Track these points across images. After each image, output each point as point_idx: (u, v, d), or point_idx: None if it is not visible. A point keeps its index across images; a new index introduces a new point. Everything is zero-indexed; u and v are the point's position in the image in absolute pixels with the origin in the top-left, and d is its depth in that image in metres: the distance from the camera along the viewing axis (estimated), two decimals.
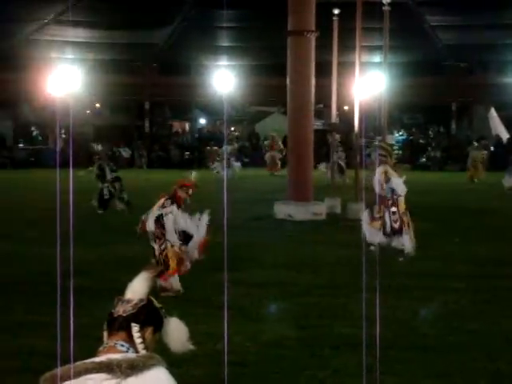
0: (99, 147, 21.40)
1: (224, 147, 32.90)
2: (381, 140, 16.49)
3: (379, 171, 13.37)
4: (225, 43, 38.36)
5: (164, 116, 47.20)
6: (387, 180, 13.21)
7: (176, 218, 10.62)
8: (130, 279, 3.57)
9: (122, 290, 3.54)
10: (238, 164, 32.82)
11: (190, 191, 10.87)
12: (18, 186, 27.85)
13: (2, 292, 10.70)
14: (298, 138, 19.58)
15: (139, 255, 13.17)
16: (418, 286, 11.23)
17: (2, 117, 42.32)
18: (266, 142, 36.18)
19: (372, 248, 12.56)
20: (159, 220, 10.62)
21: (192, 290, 10.79)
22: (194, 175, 11.24)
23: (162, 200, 10.78)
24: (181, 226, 10.67)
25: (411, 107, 43.39)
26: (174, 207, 10.65)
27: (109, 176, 20.31)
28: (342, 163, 27.33)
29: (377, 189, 13.29)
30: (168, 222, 10.59)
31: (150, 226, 10.68)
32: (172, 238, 10.64)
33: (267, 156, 34.52)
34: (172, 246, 10.67)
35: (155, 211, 10.71)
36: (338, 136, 28.03)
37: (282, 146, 33.07)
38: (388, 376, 6.84)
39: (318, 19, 19.44)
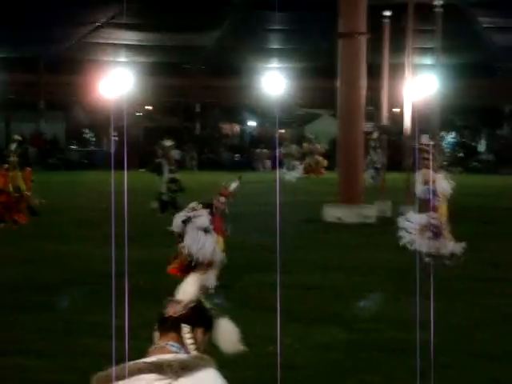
0: (168, 143, 21.26)
1: (279, 149, 32.98)
2: (422, 142, 16.32)
3: (421, 174, 13.26)
4: (275, 45, 38.36)
5: (214, 118, 47.38)
6: (428, 182, 13.06)
7: (201, 223, 10.50)
8: (180, 280, 3.58)
9: (172, 291, 3.56)
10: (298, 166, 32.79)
11: (222, 199, 10.74)
12: (70, 187, 28.18)
13: (55, 292, 10.83)
14: (349, 141, 19.49)
15: None
16: (470, 290, 11.10)
17: (55, 119, 42.89)
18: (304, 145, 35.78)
19: (427, 260, 12.43)
20: (186, 222, 10.54)
21: (242, 292, 10.80)
22: (234, 186, 11.10)
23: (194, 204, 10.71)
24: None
25: (463, 109, 42.92)
26: (204, 211, 10.56)
27: (166, 176, 20.29)
28: (379, 165, 27.43)
29: (418, 192, 13.20)
30: (192, 225, 10.48)
31: (176, 226, 10.61)
32: (189, 241, 10.45)
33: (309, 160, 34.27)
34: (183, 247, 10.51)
35: (184, 213, 10.65)
36: (375, 135, 28.10)
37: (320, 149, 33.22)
38: (439, 382, 6.76)
39: (369, 21, 19.35)
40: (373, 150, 28.01)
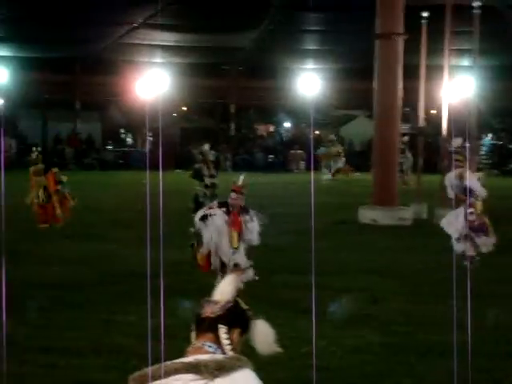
0: (206, 147, 21.42)
1: (320, 150, 32.91)
2: (456, 145, 16.22)
3: (453, 174, 13.20)
4: (311, 46, 38.30)
5: (249, 119, 47.44)
6: (462, 181, 12.98)
7: (215, 222, 10.61)
8: (216, 281, 3.59)
9: (207, 291, 3.56)
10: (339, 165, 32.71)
11: (234, 195, 10.77)
12: (105, 187, 28.38)
13: (91, 290, 10.91)
14: (385, 142, 19.39)
15: None
16: (506, 292, 10.98)
17: (92, 119, 43.21)
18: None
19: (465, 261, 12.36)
20: (204, 220, 10.66)
21: (275, 293, 10.79)
22: (242, 179, 11.15)
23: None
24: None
25: (501, 112, 42.52)
26: (218, 210, 10.66)
27: (207, 180, 20.38)
28: (404, 167, 27.83)
29: (449, 192, 13.16)
30: (208, 222, 10.62)
31: (196, 224, 10.80)
32: (206, 238, 10.63)
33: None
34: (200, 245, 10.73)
35: (202, 211, 10.87)
36: (405, 139, 28.17)
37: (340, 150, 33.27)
38: None
39: (406, 22, 19.24)
40: (401, 153, 28.22)
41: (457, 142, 14.80)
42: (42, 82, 38.89)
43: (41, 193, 17.30)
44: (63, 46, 37.02)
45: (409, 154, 29.11)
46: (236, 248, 10.75)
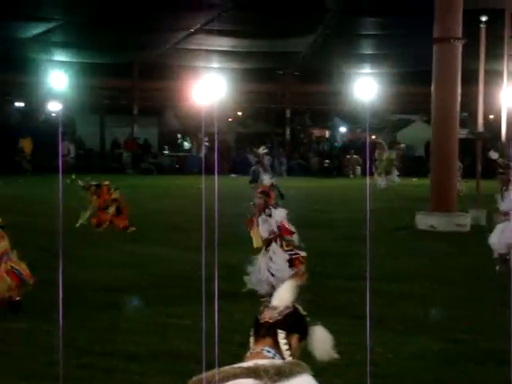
0: (262, 150, 21.56)
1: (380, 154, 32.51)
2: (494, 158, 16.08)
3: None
4: (367, 51, 38.12)
5: (304, 124, 47.39)
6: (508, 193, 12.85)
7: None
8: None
9: (261, 296, 3.54)
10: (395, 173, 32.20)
11: (259, 195, 10.80)
12: (163, 191, 28.59)
13: (147, 294, 10.97)
14: (443, 147, 19.17)
15: None
16: None
17: (149, 124, 43.61)
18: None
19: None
20: None
21: (331, 299, 10.74)
22: (267, 179, 11.22)
23: None
24: None
25: None
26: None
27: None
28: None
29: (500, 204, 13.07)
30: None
31: None
32: None
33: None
34: None
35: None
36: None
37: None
38: None
39: (464, 26, 19.02)
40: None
41: (494, 155, 14.67)
42: (101, 88, 39.39)
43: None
44: (121, 51, 37.46)
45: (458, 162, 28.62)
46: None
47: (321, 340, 3.49)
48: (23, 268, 10.13)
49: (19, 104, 43.04)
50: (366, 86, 35.18)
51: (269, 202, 10.84)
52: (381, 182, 30.34)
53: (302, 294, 3.45)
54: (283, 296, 3.46)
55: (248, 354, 3.32)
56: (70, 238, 14.66)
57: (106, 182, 18.30)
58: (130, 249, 14.97)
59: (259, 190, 10.93)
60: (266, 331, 3.32)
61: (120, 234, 16.85)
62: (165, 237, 16.59)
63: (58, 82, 35.32)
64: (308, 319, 3.50)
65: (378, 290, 10.55)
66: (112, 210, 17.56)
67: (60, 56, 37.39)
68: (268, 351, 3.27)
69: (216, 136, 27.29)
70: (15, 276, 10.03)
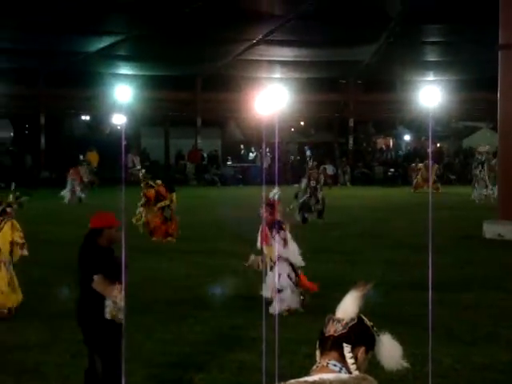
0: (310, 162, 22.06)
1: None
2: None
3: None
4: (431, 58, 37.74)
5: (368, 133, 47.16)
6: None
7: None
8: (337, 297, 3.52)
9: (328, 307, 3.50)
10: None
11: (264, 209, 10.60)
12: (226, 202, 28.69)
13: (212, 306, 10.98)
14: (509, 154, 18.84)
15: (346, 273, 13.17)
16: None
17: (212, 135, 43.88)
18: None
19: None
20: None
21: (396, 309, 10.61)
22: (274, 193, 10.91)
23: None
24: None
25: None
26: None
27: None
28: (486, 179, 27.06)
29: None
30: None
31: None
32: None
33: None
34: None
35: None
36: (486, 148, 27.21)
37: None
38: None
39: None
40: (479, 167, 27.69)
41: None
42: (164, 100, 39.79)
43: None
44: (184, 64, 37.80)
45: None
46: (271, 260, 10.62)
47: (389, 349, 3.43)
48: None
49: (85, 117, 43.75)
50: (430, 94, 34.89)
51: (274, 215, 10.69)
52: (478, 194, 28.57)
53: (366, 304, 3.39)
54: (347, 308, 3.40)
55: (314, 367, 3.27)
56: (134, 248, 14.83)
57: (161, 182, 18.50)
58: (194, 260, 15.03)
59: (266, 203, 10.69)
60: (332, 345, 3.27)
61: (184, 245, 16.93)
62: (230, 247, 16.60)
63: (122, 95, 35.64)
64: (375, 329, 3.44)
65: (444, 300, 10.41)
66: (160, 204, 17.72)
67: (124, 69, 37.91)
68: (334, 365, 3.22)
69: (277, 146, 27.27)
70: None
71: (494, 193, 26.60)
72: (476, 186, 28.61)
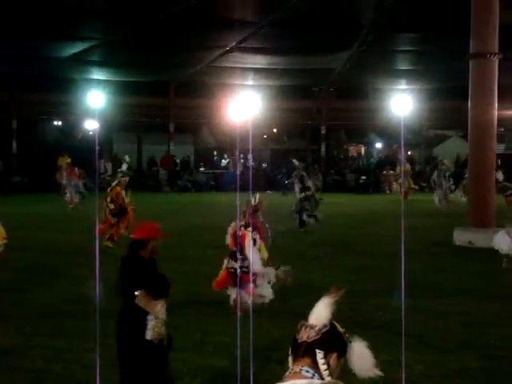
0: (296, 162, 22.09)
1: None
2: None
3: None
4: (403, 66, 38.00)
5: (340, 140, 47.35)
6: None
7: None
8: (309, 303, 3.56)
9: (301, 313, 3.54)
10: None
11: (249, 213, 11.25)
12: (199, 208, 28.68)
13: (185, 312, 10.98)
14: (480, 163, 19.03)
15: (318, 279, 13.23)
16: None
17: (185, 141, 43.84)
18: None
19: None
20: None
21: (371, 316, 10.68)
22: (256, 197, 11.56)
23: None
24: None
25: None
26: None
27: (301, 194, 21.03)
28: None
29: None
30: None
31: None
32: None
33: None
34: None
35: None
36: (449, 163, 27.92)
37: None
38: None
39: (501, 41, 18.89)
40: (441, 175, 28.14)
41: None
42: (137, 106, 39.71)
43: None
44: (157, 70, 37.74)
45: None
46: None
47: (361, 357, 3.45)
48: None
49: (57, 122, 43.53)
50: (401, 102, 35.16)
51: (257, 218, 11.43)
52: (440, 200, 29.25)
53: (339, 311, 3.43)
54: (320, 314, 3.42)
55: (287, 373, 3.30)
56: (107, 254, 14.78)
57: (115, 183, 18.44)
58: (167, 266, 14.97)
59: (252, 210, 11.32)
60: (304, 351, 3.30)
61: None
62: (203, 254, 16.61)
63: (95, 100, 35.53)
64: (347, 336, 3.47)
65: (416, 307, 10.49)
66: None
67: (97, 75, 37.78)
68: (307, 371, 3.24)
69: (251, 152, 27.31)
70: None
71: (461, 196, 27.80)
72: (439, 193, 29.08)
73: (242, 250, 10.97)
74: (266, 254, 11.41)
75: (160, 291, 6.24)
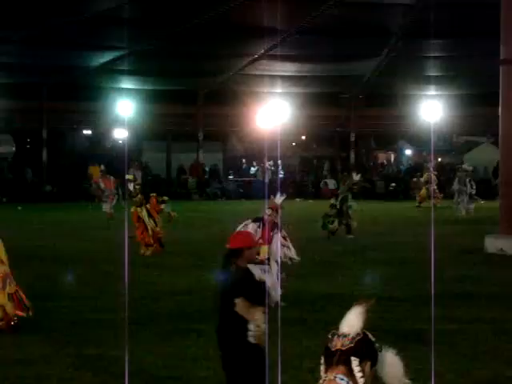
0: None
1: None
2: None
3: None
4: (433, 73, 37.81)
5: (369, 147, 47.19)
6: None
7: None
8: (339, 312, 3.54)
9: (331, 322, 3.51)
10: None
11: (269, 211, 11.66)
12: (228, 216, 28.66)
13: (212, 321, 10.95)
14: (511, 169, 18.85)
15: (347, 287, 13.17)
16: None
17: (214, 149, 43.93)
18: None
19: None
20: None
21: (400, 324, 10.60)
22: (280, 198, 11.94)
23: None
24: None
25: None
26: (251, 224, 11.54)
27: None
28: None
29: None
30: None
31: None
32: None
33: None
34: None
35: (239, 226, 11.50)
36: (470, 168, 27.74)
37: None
38: None
39: None
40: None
41: None
42: (166, 114, 39.85)
43: (148, 220, 17.90)
44: (186, 78, 37.88)
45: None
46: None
47: (391, 365, 3.44)
48: (23, 296, 10.35)
49: (87, 132, 43.82)
50: (431, 108, 35.04)
51: (275, 219, 11.65)
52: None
53: (368, 319, 3.40)
54: (353, 322, 3.41)
55: (320, 381, 3.29)
56: (136, 262, 14.86)
57: (154, 194, 18.65)
58: (197, 274, 15.00)
59: (269, 206, 11.77)
60: (339, 359, 3.29)
61: (187, 259, 16.93)
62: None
63: (124, 109, 35.93)
64: (377, 345, 3.45)
65: (447, 316, 10.40)
66: (151, 221, 17.85)
67: (126, 84, 37.98)
68: (341, 379, 3.23)
69: (279, 160, 27.33)
70: (18, 300, 10.28)
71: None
72: (459, 199, 28.89)
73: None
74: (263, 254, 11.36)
75: (258, 298, 6.24)
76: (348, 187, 22.08)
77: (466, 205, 28.64)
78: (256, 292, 6.31)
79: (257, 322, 6.20)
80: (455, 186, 29.51)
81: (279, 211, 11.80)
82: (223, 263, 6.64)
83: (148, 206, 18.16)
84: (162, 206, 18.47)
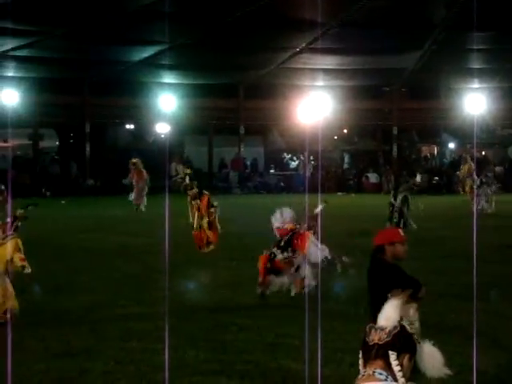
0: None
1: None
2: None
3: None
4: (476, 65, 37.39)
5: (412, 140, 46.81)
6: None
7: None
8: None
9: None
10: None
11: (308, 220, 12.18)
12: (270, 210, 28.59)
13: (255, 314, 10.98)
14: None
15: None
16: None
17: (255, 143, 43.95)
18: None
19: None
20: None
21: (439, 318, 10.50)
22: (320, 208, 12.36)
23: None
24: None
25: None
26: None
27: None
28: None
29: None
30: None
31: None
32: None
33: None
34: None
35: None
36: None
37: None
38: None
39: None
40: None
41: None
42: (208, 108, 39.94)
43: (196, 218, 17.78)
44: (227, 72, 37.93)
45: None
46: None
47: (431, 357, 3.42)
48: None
49: (129, 126, 44.12)
50: (474, 101, 34.72)
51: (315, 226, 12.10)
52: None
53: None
54: (389, 316, 3.39)
55: (359, 376, 3.26)
56: (177, 256, 14.89)
57: (207, 193, 18.46)
58: (237, 268, 15.02)
59: (309, 216, 12.30)
60: (376, 353, 3.26)
61: (228, 253, 16.94)
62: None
63: (166, 103, 36.16)
64: (415, 337, 3.43)
65: (489, 309, 10.29)
66: (205, 221, 17.68)
67: (168, 78, 38.15)
68: (380, 373, 3.20)
69: (320, 154, 27.25)
70: None
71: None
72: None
73: (292, 244, 11.87)
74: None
75: (411, 294, 6.19)
76: (409, 187, 21.97)
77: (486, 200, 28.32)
78: (405, 287, 6.24)
79: (410, 319, 6.11)
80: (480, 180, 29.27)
81: (318, 220, 12.06)
82: (371, 259, 6.83)
83: (198, 201, 17.99)
84: (212, 210, 18.17)
